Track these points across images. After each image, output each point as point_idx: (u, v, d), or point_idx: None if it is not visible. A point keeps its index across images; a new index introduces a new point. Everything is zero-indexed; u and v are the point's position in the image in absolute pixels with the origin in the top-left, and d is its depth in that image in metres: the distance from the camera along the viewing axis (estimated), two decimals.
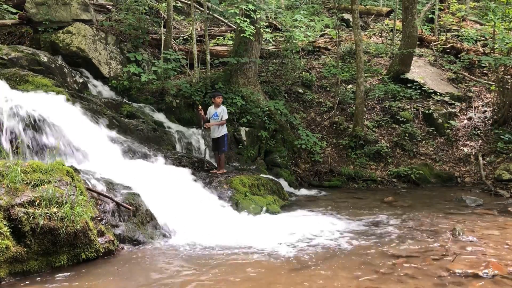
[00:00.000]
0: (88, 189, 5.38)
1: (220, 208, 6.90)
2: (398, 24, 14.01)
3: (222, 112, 8.33)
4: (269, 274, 4.46)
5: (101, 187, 5.75)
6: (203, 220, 6.18)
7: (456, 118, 11.60)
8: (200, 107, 8.50)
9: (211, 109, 8.40)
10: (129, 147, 7.50)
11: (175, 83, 10.47)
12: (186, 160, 8.28)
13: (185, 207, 6.29)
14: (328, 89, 12.64)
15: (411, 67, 12.56)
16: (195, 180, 7.56)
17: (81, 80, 9.69)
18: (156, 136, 8.79)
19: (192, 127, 9.76)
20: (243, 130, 10.22)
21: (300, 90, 12.38)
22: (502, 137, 10.54)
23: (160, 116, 9.85)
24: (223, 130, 8.38)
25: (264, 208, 7.42)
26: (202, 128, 8.43)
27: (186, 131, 9.61)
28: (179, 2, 15.05)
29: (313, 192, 9.48)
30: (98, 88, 10.00)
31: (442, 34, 15.01)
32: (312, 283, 4.18)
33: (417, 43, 12.94)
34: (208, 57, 10.67)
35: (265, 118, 10.57)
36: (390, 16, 16.16)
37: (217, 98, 8.42)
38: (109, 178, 6.07)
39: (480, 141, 10.92)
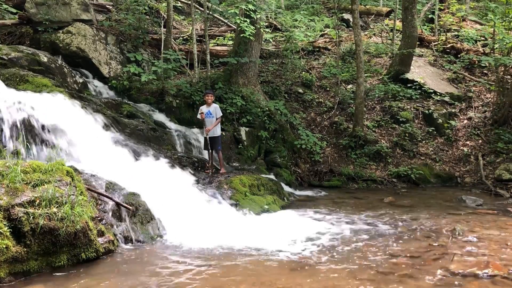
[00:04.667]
0: (88, 189, 5.38)
1: (220, 208, 6.89)
2: (398, 24, 14.00)
3: (215, 110, 8.38)
4: (269, 274, 4.46)
5: (101, 187, 5.75)
6: (203, 220, 6.18)
7: (456, 118, 11.60)
8: (202, 114, 8.40)
9: (203, 108, 8.42)
10: (129, 147, 7.50)
11: (175, 83, 10.47)
12: (186, 160, 8.28)
13: (185, 207, 6.29)
14: (328, 89, 12.63)
15: (411, 67, 12.55)
16: (195, 180, 7.57)
17: (81, 80, 9.69)
18: (156, 136, 8.78)
19: (192, 127, 9.77)
20: (243, 130, 10.22)
21: (300, 90, 12.38)
22: (502, 137, 10.54)
23: (160, 116, 9.84)
24: (219, 130, 8.46)
25: (264, 208, 7.42)
26: (206, 135, 8.37)
27: (186, 131, 9.60)
28: (179, 2, 15.05)
29: (313, 192, 9.48)
30: (98, 88, 10.00)
31: (442, 34, 15.00)
32: (312, 283, 4.18)
33: (417, 43, 12.93)
34: (208, 57, 10.67)
35: (265, 118, 10.56)
36: (390, 16, 16.15)
37: (206, 96, 8.48)
38: (109, 178, 6.06)
39: (480, 141, 10.92)
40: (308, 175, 10.46)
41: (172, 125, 9.68)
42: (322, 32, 15.59)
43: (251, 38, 9.99)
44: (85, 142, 6.79)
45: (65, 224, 4.46)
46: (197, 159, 8.64)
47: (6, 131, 6.08)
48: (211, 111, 8.34)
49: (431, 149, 10.87)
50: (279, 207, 7.80)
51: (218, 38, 13.90)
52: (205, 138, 8.38)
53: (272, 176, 9.15)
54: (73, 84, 9.36)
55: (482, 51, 13.56)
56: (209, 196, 7.09)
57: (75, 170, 5.54)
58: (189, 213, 6.21)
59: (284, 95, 12.06)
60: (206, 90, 9.13)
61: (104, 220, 5.24)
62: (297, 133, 10.90)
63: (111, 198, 5.55)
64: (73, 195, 4.78)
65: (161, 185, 6.57)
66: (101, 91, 10.00)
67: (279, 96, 11.81)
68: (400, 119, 11.32)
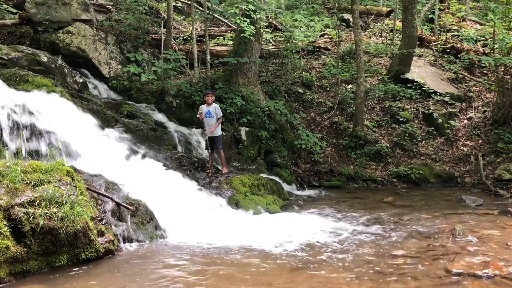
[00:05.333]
0: (88, 189, 5.38)
1: (220, 208, 6.90)
2: (398, 24, 14.00)
3: (216, 109, 8.37)
4: (269, 273, 4.46)
5: (100, 187, 5.75)
6: (204, 220, 6.19)
7: (456, 118, 11.60)
8: (201, 114, 8.43)
9: (203, 108, 8.41)
10: (128, 147, 7.50)
11: (175, 83, 10.47)
12: (186, 160, 8.28)
13: (185, 208, 6.30)
14: (328, 89, 12.63)
15: (411, 67, 12.55)
16: (195, 181, 7.57)
17: (81, 80, 9.69)
18: (156, 136, 8.78)
19: (192, 127, 9.77)
20: (243, 130, 10.22)
21: (300, 90, 12.38)
22: (502, 137, 10.54)
23: (160, 116, 9.84)
24: (219, 130, 8.47)
25: (264, 208, 7.42)
26: (205, 135, 8.40)
27: (186, 131, 9.60)
28: (179, 2, 15.05)
29: (313, 192, 9.48)
30: (98, 88, 10.00)
31: (442, 34, 15.00)
32: (312, 283, 4.18)
33: (417, 43, 12.93)
34: (208, 57, 10.67)
35: (265, 118, 10.56)
36: (390, 16, 16.15)
37: (206, 96, 8.47)
38: (109, 178, 6.06)
39: (480, 141, 10.92)
40: (308, 175, 10.46)
41: (172, 125, 9.68)
42: (322, 32, 15.59)
43: (251, 38, 9.99)
44: (84, 142, 6.79)
45: (65, 224, 4.46)
46: (197, 159, 8.65)
47: (6, 131, 6.08)
48: (211, 110, 8.34)
49: (431, 149, 10.87)
50: (279, 207, 7.80)
51: (218, 38, 13.90)
52: (205, 138, 8.39)
53: (272, 176, 9.14)
54: (73, 84, 9.37)
55: (482, 51, 13.56)
56: (209, 196, 7.10)
57: (75, 170, 5.54)
58: (189, 213, 6.21)
59: (284, 95, 12.06)
60: (206, 90, 9.13)
61: (104, 220, 5.23)
62: (297, 133, 10.90)
63: (111, 198, 5.54)
64: (73, 195, 4.78)
65: (161, 186, 6.57)
66: (101, 91, 10.01)
67: (279, 96, 11.81)
68: (400, 119, 11.32)
